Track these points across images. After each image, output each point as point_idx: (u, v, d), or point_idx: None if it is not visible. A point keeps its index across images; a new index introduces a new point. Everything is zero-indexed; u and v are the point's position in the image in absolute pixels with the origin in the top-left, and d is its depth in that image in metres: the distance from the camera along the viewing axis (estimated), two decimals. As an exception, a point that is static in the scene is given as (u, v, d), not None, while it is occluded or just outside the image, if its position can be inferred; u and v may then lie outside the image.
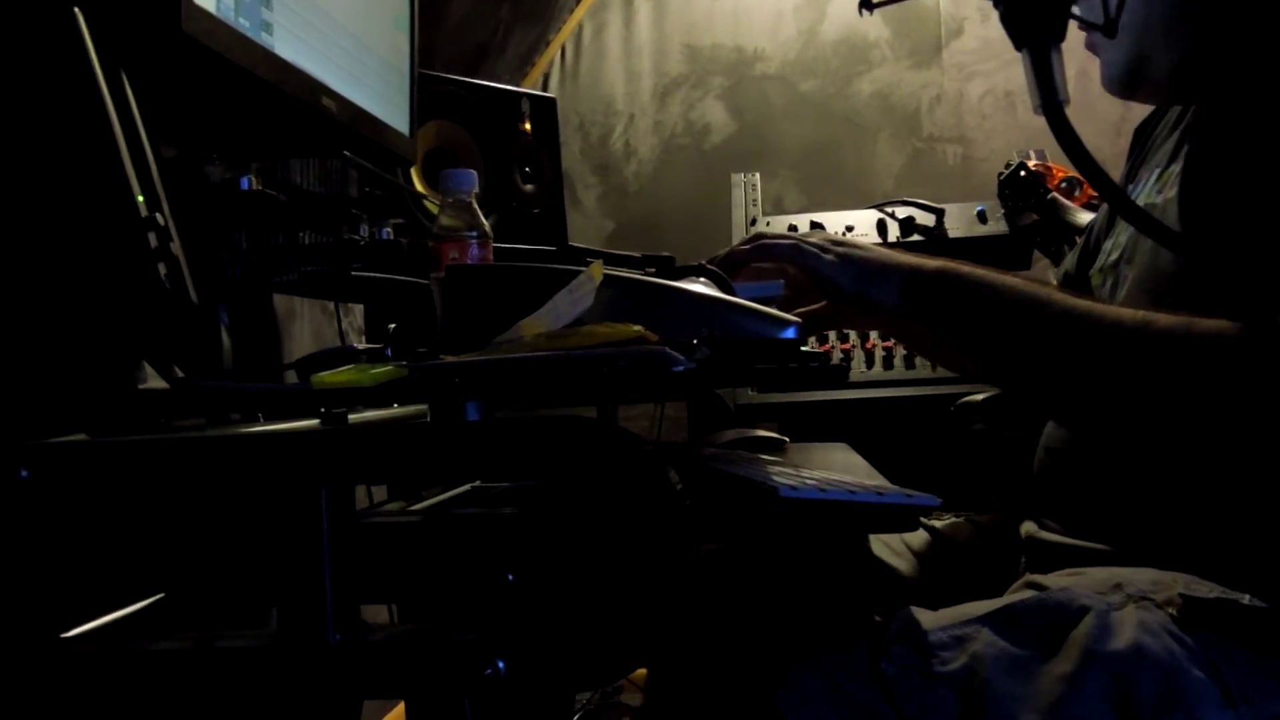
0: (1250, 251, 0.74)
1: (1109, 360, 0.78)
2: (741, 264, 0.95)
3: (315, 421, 0.70)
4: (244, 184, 0.90)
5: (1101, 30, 0.47)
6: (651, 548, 0.52)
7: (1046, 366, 0.83)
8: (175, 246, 0.73)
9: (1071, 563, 0.88)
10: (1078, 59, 0.97)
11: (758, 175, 2.07)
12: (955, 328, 0.88)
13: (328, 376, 0.52)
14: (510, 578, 0.59)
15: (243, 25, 0.89)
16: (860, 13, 0.52)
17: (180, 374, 0.68)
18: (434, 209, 1.38)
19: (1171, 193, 0.88)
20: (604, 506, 0.50)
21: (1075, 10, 0.76)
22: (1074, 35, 0.59)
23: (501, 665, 0.50)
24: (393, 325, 0.66)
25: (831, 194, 2.46)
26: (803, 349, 0.82)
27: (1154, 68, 0.90)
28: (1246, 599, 0.72)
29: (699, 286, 0.69)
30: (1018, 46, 0.47)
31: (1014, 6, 0.46)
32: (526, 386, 0.51)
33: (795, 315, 0.99)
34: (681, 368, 0.51)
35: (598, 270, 0.59)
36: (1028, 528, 0.99)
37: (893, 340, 1.71)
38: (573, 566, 0.57)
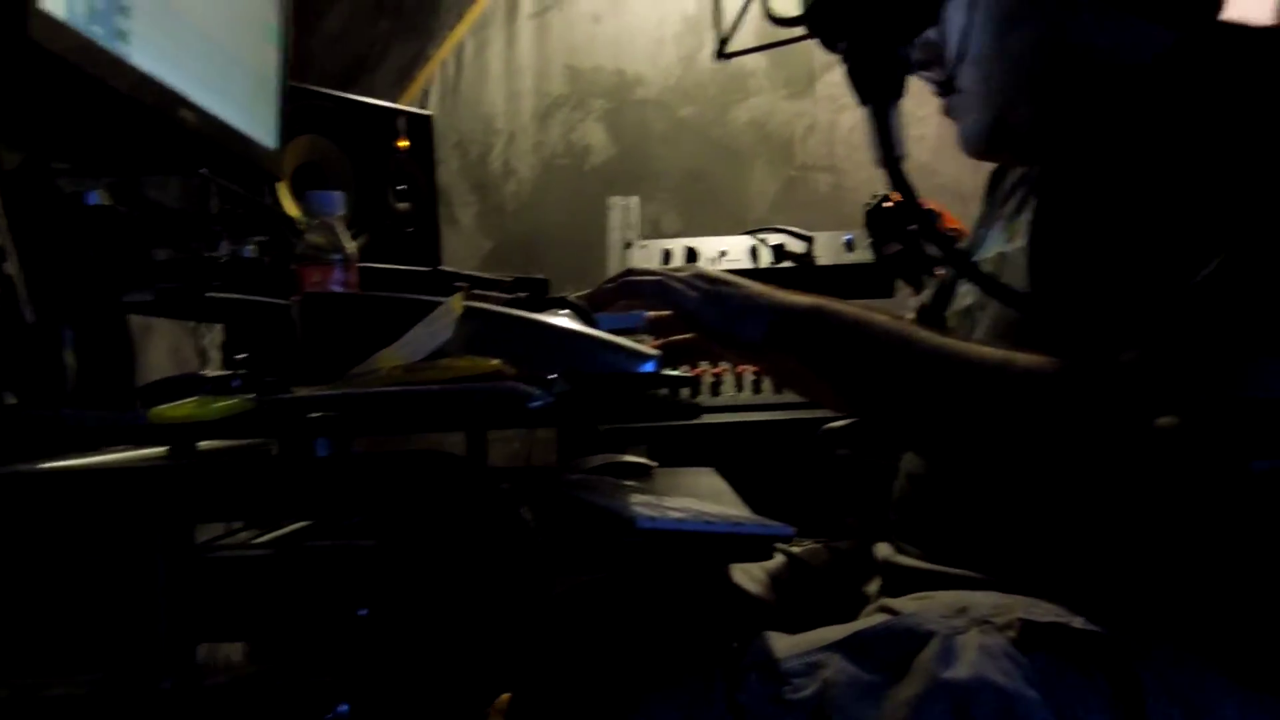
0: (1089, 301, 0.79)
1: (972, 398, 0.81)
2: (608, 300, 0.94)
3: (162, 450, 0.68)
4: (91, 199, 0.86)
5: (940, 88, 0.49)
6: (500, 585, 0.52)
7: (912, 402, 0.86)
8: (11, 263, 0.69)
9: (925, 586, 0.91)
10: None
11: (635, 198, 2.09)
12: (825, 364, 0.90)
13: (167, 410, 0.50)
14: (362, 613, 0.58)
15: (95, 33, 0.86)
16: (716, 60, 0.53)
17: (12, 400, 0.64)
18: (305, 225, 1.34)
19: (1020, 242, 0.93)
20: (453, 545, 0.50)
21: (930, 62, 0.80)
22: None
23: (345, 709, 0.49)
24: (242, 354, 0.64)
25: (708, 218, 2.49)
26: (667, 373, 0.83)
27: (1009, 131, 0.95)
28: (1079, 622, 0.76)
29: (560, 319, 0.70)
30: (861, 103, 0.49)
31: (857, 66, 0.48)
32: (378, 422, 0.50)
33: (665, 343, 1.00)
34: (538, 404, 0.51)
35: (457, 302, 0.59)
36: (884, 551, 1.02)
37: (763, 366, 1.75)
38: (422, 605, 0.56)
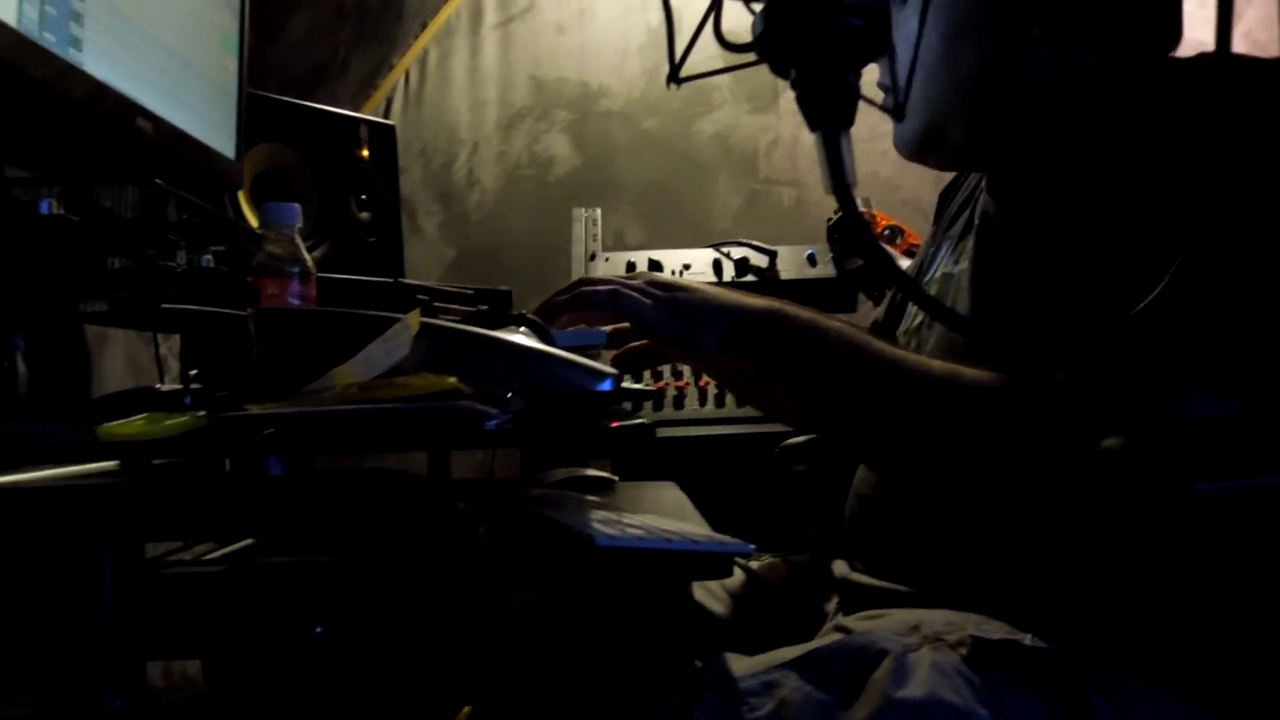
0: (1027, 324, 0.81)
1: (917, 407, 0.83)
2: (561, 312, 0.94)
3: (113, 464, 0.67)
4: (43, 208, 0.85)
5: (891, 115, 0.50)
6: (456, 603, 0.51)
7: (860, 409, 0.87)
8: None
9: (879, 604, 0.92)
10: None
11: (599, 210, 2.09)
12: (779, 367, 0.90)
13: (117, 428, 0.49)
14: (319, 630, 0.58)
15: (48, 40, 0.85)
16: (668, 86, 0.53)
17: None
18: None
19: (965, 264, 0.95)
20: (408, 564, 0.49)
21: (890, 83, 0.81)
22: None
23: (295, 731, 0.48)
24: (195, 370, 0.63)
25: (672, 230, 2.50)
26: (628, 386, 0.82)
27: (945, 137, 0.97)
28: (1029, 639, 0.77)
29: (518, 336, 0.69)
30: (811, 129, 0.50)
31: (808, 93, 0.48)
32: (330, 442, 0.50)
33: (623, 350, 1.00)
34: (494, 424, 0.51)
35: (414, 319, 0.59)
36: (840, 569, 1.03)
37: (724, 379, 1.75)
38: (379, 622, 0.56)
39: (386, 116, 2.54)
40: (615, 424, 0.80)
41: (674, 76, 0.54)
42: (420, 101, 2.57)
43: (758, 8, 0.50)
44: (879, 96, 0.82)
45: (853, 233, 0.49)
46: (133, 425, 0.49)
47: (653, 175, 2.55)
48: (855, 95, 0.49)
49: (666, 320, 0.90)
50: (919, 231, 1.88)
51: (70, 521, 0.49)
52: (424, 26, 2.56)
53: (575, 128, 2.57)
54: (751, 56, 0.52)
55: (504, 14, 2.58)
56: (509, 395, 0.55)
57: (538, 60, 2.58)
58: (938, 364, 0.83)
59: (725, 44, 0.53)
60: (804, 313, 0.89)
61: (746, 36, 0.50)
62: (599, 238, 2.07)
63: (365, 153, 1.74)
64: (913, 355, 0.86)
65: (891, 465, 0.93)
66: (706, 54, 0.57)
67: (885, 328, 1.15)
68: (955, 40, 0.93)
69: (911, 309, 1.06)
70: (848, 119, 0.48)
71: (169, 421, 0.49)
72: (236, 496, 0.49)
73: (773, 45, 0.50)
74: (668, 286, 0.92)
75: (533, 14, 2.58)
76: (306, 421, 0.49)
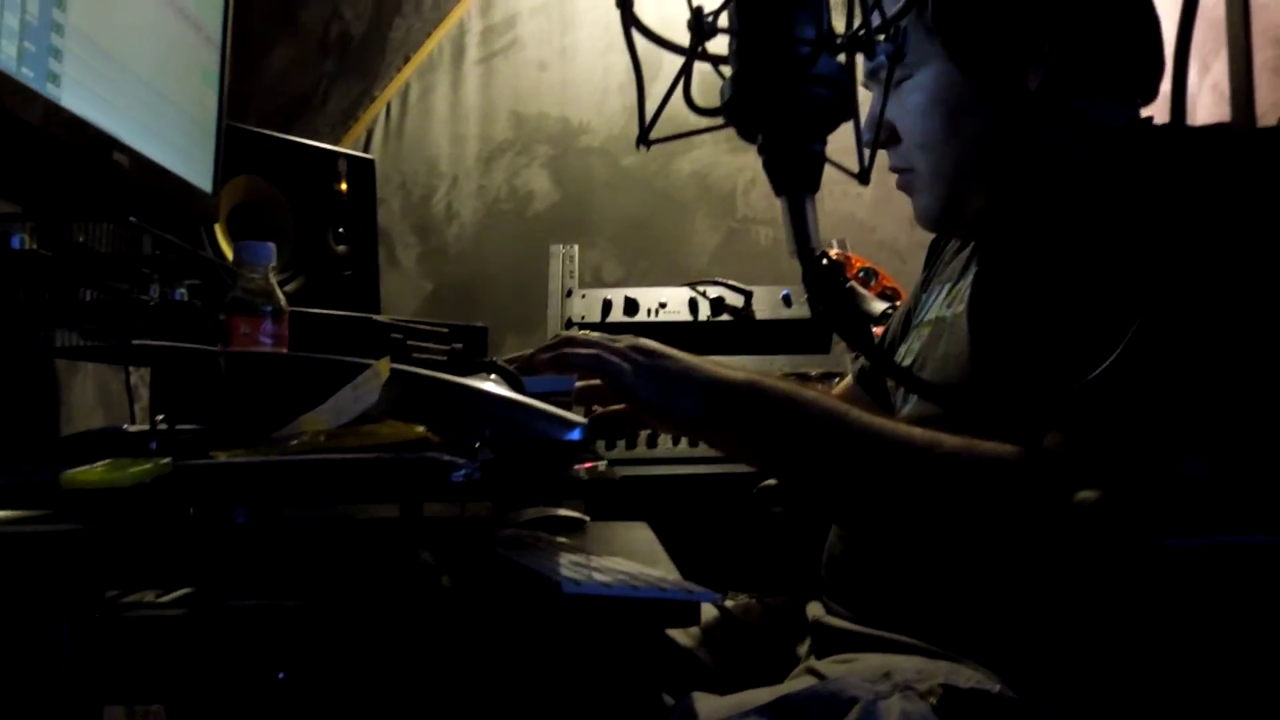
0: (1017, 378, 0.82)
1: (898, 477, 0.84)
2: (543, 371, 0.94)
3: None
4: (15, 242, 0.85)
5: (856, 178, 0.51)
6: (419, 650, 0.51)
7: (842, 481, 0.88)
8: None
9: (852, 648, 0.92)
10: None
11: (576, 247, 2.10)
12: (758, 440, 0.91)
13: (80, 475, 0.49)
14: (281, 676, 0.57)
15: (25, 75, 0.85)
16: (638, 147, 0.54)
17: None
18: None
19: (960, 308, 0.96)
20: (371, 612, 0.49)
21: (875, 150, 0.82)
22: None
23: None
24: (161, 416, 0.63)
25: (649, 267, 2.51)
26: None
27: (963, 209, 0.99)
28: (998, 689, 0.77)
29: (488, 384, 0.70)
30: (777, 194, 0.50)
31: (773, 159, 0.49)
32: (295, 493, 0.50)
33: (603, 413, 1.00)
34: (462, 475, 0.51)
35: (385, 366, 0.59)
36: (814, 611, 1.03)
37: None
38: (341, 668, 0.55)
39: (366, 148, 2.54)
40: (586, 465, 0.80)
41: (644, 139, 0.55)
42: (401, 134, 2.58)
43: (728, 72, 0.51)
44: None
45: (817, 297, 0.50)
46: (95, 472, 0.49)
47: (631, 212, 2.56)
48: (820, 162, 0.49)
49: (648, 389, 0.90)
50: (894, 274, 1.90)
51: (28, 572, 0.49)
52: (406, 60, 2.58)
53: (555, 163, 2.58)
54: (719, 121, 0.53)
55: (486, 49, 2.60)
56: (477, 445, 0.55)
57: (519, 95, 2.60)
58: (919, 432, 0.84)
59: (695, 108, 0.54)
60: (782, 385, 0.90)
61: (716, 99, 0.51)
62: (576, 274, 2.08)
63: (344, 186, 1.75)
64: (893, 423, 0.87)
65: (872, 532, 0.94)
66: (681, 108, 0.58)
67: (872, 375, 1.16)
68: (959, 114, 0.95)
69: (901, 351, 1.08)
70: (813, 185, 0.48)
71: (133, 469, 0.48)
72: (200, 547, 0.49)
73: (741, 112, 0.51)
74: (650, 354, 0.92)
75: (515, 50, 2.60)
76: (272, 472, 0.49)
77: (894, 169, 1.02)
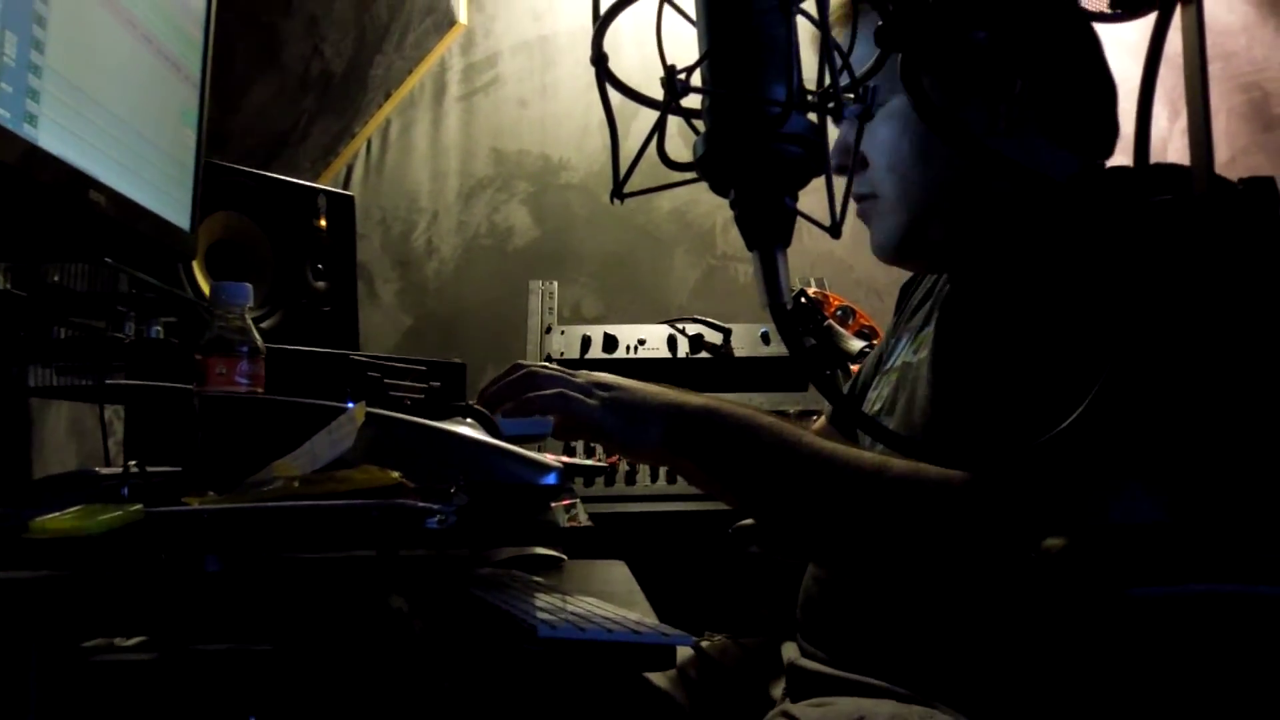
0: (978, 422, 0.83)
1: (846, 499, 0.85)
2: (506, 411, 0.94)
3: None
4: (-11, 283, 0.84)
5: (828, 232, 0.52)
6: (390, 699, 0.51)
7: (792, 503, 0.89)
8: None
9: (827, 691, 0.92)
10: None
11: (555, 283, 2.11)
12: (714, 464, 0.92)
13: (48, 523, 0.49)
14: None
15: (2, 117, 0.85)
16: (612, 201, 0.55)
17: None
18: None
19: (924, 354, 0.97)
20: (343, 657, 0.49)
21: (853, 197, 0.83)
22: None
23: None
24: (133, 462, 0.62)
25: (629, 303, 2.52)
26: (581, 463, 0.82)
27: (923, 240, 1.00)
28: (971, 734, 0.77)
29: (463, 428, 0.70)
30: (749, 248, 0.51)
31: (745, 214, 0.50)
32: (269, 539, 0.49)
33: (569, 450, 1.00)
34: (436, 522, 0.51)
35: (360, 411, 0.59)
36: (790, 653, 1.03)
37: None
38: (312, 713, 0.55)
39: (347, 184, 2.55)
40: (565, 502, 0.80)
41: (617, 193, 0.55)
42: (381, 170, 2.59)
43: (702, 126, 0.52)
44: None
45: (788, 348, 0.51)
46: (65, 520, 0.48)
47: (611, 248, 2.57)
48: (792, 217, 0.50)
49: (612, 422, 0.91)
50: (871, 312, 1.92)
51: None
52: (387, 96, 2.59)
53: (535, 199, 2.60)
54: (692, 175, 0.53)
55: (467, 87, 2.62)
56: (452, 490, 0.55)
57: (499, 132, 2.61)
58: (869, 456, 0.86)
59: (669, 163, 0.55)
60: (739, 409, 0.92)
61: (688, 154, 0.51)
62: (555, 310, 2.08)
63: (323, 222, 1.75)
64: (845, 449, 0.88)
65: (823, 557, 0.95)
66: (655, 162, 0.59)
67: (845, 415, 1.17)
68: (929, 143, 0.96)
69: (872, 395, 1.08)
70: (785, 239, 0.49)
71: (102, 517, 0.48)
72: (170, 593, 0.49)
73: (713, 168, 0.52)
74: (609, 387, 0.93)
75: (496, 87, 2.62)
76: (244, 519, 0.49)
77: (856, 196, 1.02)
